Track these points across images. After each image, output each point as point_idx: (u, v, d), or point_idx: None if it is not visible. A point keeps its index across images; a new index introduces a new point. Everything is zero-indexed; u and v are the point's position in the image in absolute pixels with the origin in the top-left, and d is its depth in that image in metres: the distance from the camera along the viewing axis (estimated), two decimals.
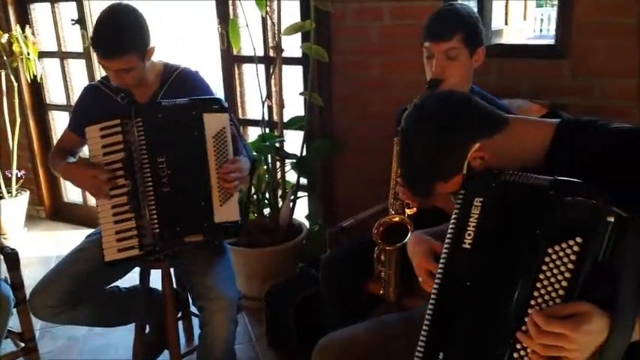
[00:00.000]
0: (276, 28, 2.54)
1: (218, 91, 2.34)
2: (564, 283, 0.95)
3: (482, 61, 1.77)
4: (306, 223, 2.82)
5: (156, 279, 2.09)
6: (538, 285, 0.97)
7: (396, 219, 1.71)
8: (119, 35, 1.72)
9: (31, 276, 2.02)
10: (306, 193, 2.90)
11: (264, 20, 2.71)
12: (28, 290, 1.90)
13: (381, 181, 2.12)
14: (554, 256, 0.96)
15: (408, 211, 1.70)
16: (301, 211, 2.91)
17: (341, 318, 1.76)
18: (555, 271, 0.96)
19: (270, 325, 2.38)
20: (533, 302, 0.97)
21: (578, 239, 0.94)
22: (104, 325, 2.03)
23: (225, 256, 1.98)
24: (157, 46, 1.85)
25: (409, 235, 1.64)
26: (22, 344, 2.05)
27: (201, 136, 1.77)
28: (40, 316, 1.83)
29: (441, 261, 1.14)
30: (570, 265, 0.95)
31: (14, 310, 1.92)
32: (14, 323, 1.97)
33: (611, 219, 0.93)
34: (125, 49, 1.73)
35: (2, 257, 1.97)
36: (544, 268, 0.97)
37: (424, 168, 1.17)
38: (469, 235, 1.10)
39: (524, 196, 1.05)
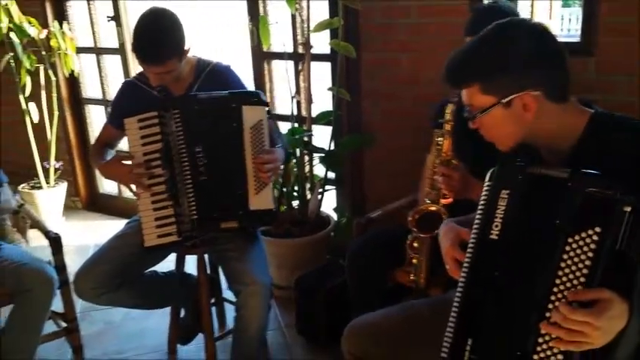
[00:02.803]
0: (305, 25, 2.62)
1: (249, 85, 2.42)
2: (585, 271, 0.99)
3: None
4: (334, 216, 2.89)
5: (191, 265, 2.19)
6: (560, 273, 1.02)
7: (432, 208, 1.75)
8: (160, 44, 1.81)
9: (70, 263, 2.11)
10: (334, 187, 2.97)
11: (293, 17, 2.79)
12: (69, 275, 2.01)
13: (409, 175, 2.18)
14: (574, 245, 1.01)
15: (443, 201, 1.75)
16: (329, 204, 2.98)
17: (366, 304, 1.83)
18: (576, 259, 1.00)
19: (299, 313, 2.46)
20: (555, 289, 1.02)
21: (597, 229, 0.99)
22: (142, 308, 2.12)
23: (259, 244, 2.06)
24: (191, 43, 1.93)
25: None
26: (64, 324, 2.17)
27: (239, 126, 1.85)
28: (83, 297, 1.93)
29: (468, 250, 1.18)
30: (590, 254, 0.99)
31: (57, 292, 2.01)
32: (56, 305, 2.08)
33: (628, 208, 0.97)
34: (166, 56, 1.82)
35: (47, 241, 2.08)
36: (565, 257, 1.01)
37: (480, 55, 1.16)
38: (496, 226, 1.13)
39: (545, 187, 1.09)
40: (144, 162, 1.88)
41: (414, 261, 1.80)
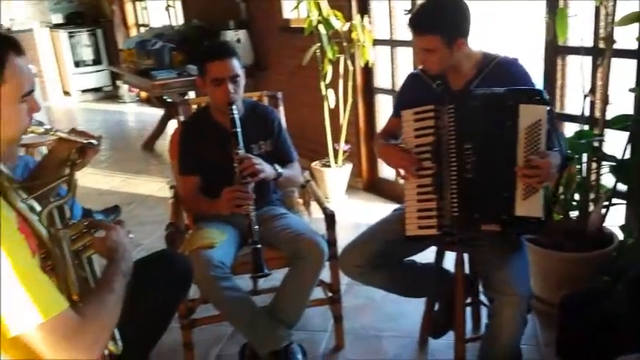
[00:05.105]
0: (609, 17, 2.33)
1: (537, 81, 2.27)
2: None
3: None
4: (619, 234, 2.55)
5: (450, 262, 2.18)
6: None
7: None
8: (428, 15, 1.87)
9: (344, 237, 2.27)
10: (624, 201, 2.62)
11: (597, 9, 2.51)
12: (339, 249, 2.18)
13: None
14: None
15: None
16: (615, 219, 2.64)
17: None
18: None
19: (561, 334, 2.25)
20: None
21: None
22: (396, 293, 2.20)
23: (522, 252, 1.94)
24: (481, 36, 1.89)
25: None
26: (330, 294, 2.38)
27: (514, 126, 1.75)
28: (345, 272, 2.09)
29: None
30: None
31: (327, 263, 2.21)
32: (325, 275, 2.29)
33: None
34: (427, 28, 1.85)
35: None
36: None
37: None
38: None
39: None
40: (415, 154, 1.93)
41: None
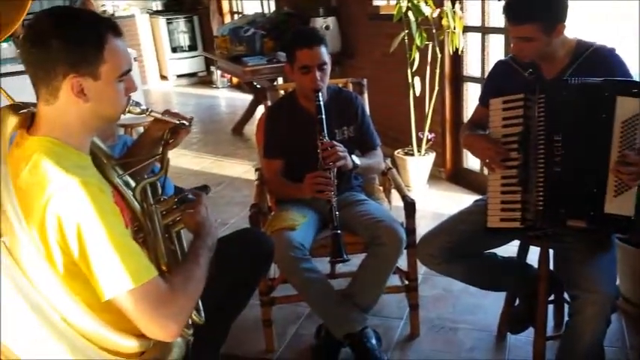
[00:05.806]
0: None
1: (635, 73, 2.12)
2: None
3: None
4: None
5: (533, 257, 2.11)
6: None
7: None
8: (526, 2, 1.78)
9: (424, 226, 2.26)
10: None
11: None
12: (418, 238, 2.18)
13: None
14: None
15: None
16: None
17: None
18: None
19: None
20: None
21: None
22: (475, 285, 2.16)
23: (611, 251, 1.86)
24: (582, 24, 1.80)
25: None
26: (406, 282, 2.37)
27: (609, 119, 1.67)
28: (422, 262, 2.08)
29: None
30: None
31: (405, 251, 2.20)
32: (403, 262, 2.28)
33: None
34: (526, 16, 1.76)
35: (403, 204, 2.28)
36: None
37: None
38: None
39: None
40: (501, 144, 1.88)
41: None
